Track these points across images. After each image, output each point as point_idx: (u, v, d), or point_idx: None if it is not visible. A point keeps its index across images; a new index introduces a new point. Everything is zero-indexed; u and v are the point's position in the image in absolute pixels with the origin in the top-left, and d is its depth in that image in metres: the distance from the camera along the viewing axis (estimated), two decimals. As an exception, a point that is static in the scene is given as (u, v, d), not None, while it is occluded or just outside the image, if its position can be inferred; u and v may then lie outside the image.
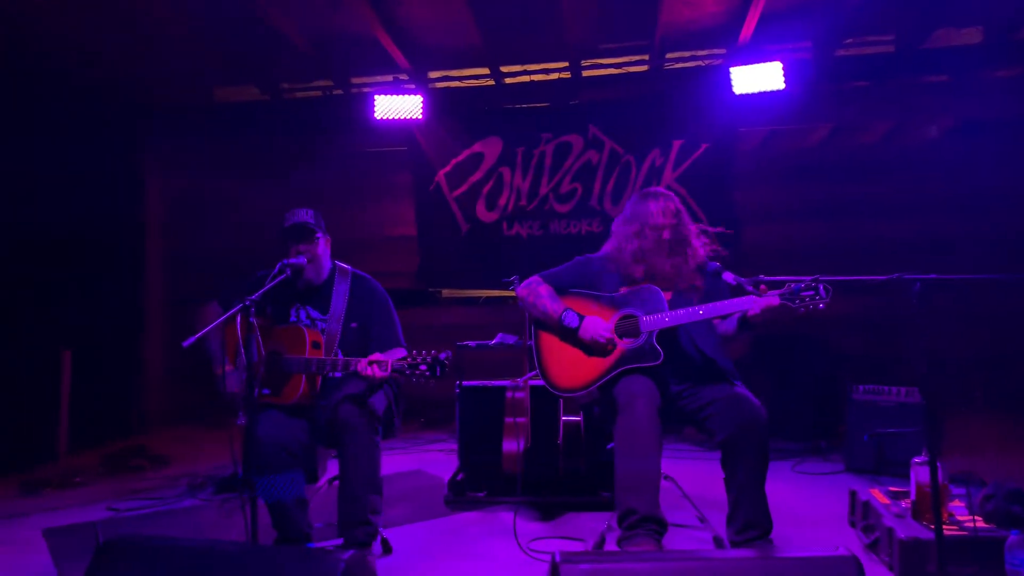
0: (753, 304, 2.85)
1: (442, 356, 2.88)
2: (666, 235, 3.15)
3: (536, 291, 3.26)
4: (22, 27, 5.01)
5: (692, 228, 3.25)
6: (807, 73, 5.79)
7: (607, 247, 3.33)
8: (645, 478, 2.82)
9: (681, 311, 2.98)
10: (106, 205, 6.07)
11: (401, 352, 3.26)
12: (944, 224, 6.18)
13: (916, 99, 6.07)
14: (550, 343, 3.21)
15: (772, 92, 5.61)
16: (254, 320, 2.71)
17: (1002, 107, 5.86)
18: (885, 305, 5.74)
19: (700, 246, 3.23)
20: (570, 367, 3.13)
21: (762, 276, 2.83)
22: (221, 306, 3.27)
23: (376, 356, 2.96)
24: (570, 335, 3.12)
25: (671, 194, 3.29)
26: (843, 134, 6.59)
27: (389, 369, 2.92)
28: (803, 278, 2.75)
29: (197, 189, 7.09)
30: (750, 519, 2.83)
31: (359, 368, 2.95)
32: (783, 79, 5.55)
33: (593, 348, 3.08)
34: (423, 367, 2.88)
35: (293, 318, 3.30)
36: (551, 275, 3.33)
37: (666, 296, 3.09)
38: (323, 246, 3.32)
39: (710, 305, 2.95)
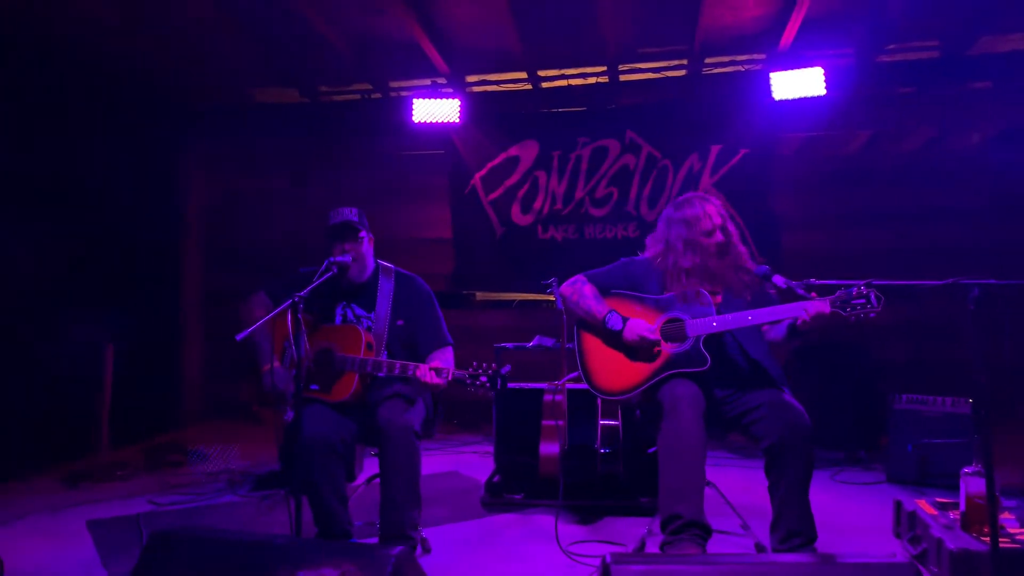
0: (803, 310, 2.80)
1: (503, 371, 2.90)
2: (714, 239, 3.12)
3: (580, 291, 3.23)
4: (63, 29, 5.12)
5: (736, 232, 3.22)
6: (849, 79, 5.72)
7: (651, 250, 3.30)
8: (690, 483, 2.79)
9: (729, 316, 2.93)
10: (147, 204, 6.17)
11: (449, 351, 3.30)
12: (989, 231, 6.06)
13: (960, 106, 5.98)
14: (593, 345, 3.19)
15: (813, 98, 5.54)
16: (302, 316, 2.74)
17: (1048, 114, 5.76)
18: (928, 312, 5.65)
19: (744, 250, 3.21)
20: (614, 370, 3.10)
21: (812, 280, 2.79)
22: (268, 298, 3.32)
23: (437, 364, 2.99)
24: (614, 337, 3.10)
25: (716, 197, 3.27)
26: (884, 140, 6.50)
27: (451, 377, 2.94)
28: (855, 282, 2.69)
29: (236, 189, 7.17)
30: (793, 527, 2.79)
31: (419, 374, 2.97)
32: (824, 85, 5.50)
33: (638, 351, 3.05)
34: (484, 379, 2.91)
35: (339, 316, 3.32)
36: (595, 275, 3.30)
37: (714, 300, 3.06)
38: (367, 245, 3.35)
39: (759, 310, 2.91)
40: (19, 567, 3.16)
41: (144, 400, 5.79)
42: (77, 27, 5.16)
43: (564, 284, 3.32)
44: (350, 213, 3.31)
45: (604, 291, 3.23)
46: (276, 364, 3.21)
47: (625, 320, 3.07)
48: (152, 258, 6.36)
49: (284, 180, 7.06)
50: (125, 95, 5.94)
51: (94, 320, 5.32)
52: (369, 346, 3.16)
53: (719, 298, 3.09)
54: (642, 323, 3.05)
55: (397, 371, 3.04)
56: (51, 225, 5.22)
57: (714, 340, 3.01)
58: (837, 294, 2.76)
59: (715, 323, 2.94)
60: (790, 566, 1.88)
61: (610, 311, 3.11)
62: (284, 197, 7.03)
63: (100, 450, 4.81)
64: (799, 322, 2.84)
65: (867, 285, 2.69)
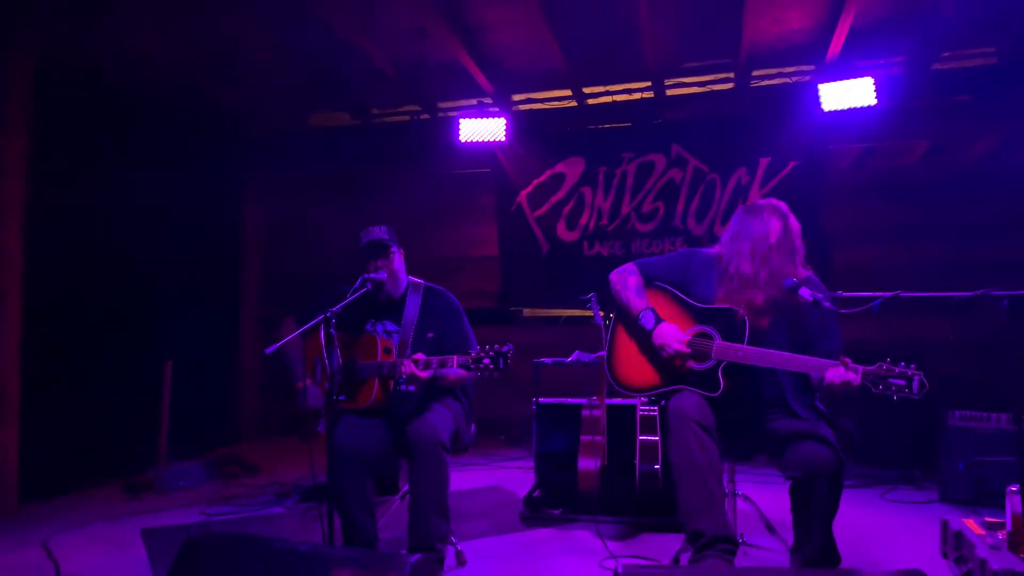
0: (831, 371, 2.56)
1: (504, 349, 2.92)
2: (775, 256, 2.91)
3: (626, 280, 3.16)
4: (123, 62, 5.41)
5: (802, 250, 2.99)
6: (901, 88, 5.60)
7: (716, 248, 3.12)
8: (707, 499, 2.72)
9: (757, 351, 2.76)
10: (207, 228, 6.43)
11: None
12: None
13: (1022, 113, 5.76)
14: (624, 336, 3.16)
15: (863, 108, 5.45)
16: (334, 332, 2.83)
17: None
18: (983, 326, 5.41)
19: (804, 269, 2.99)
20: (635, 365, 3.08)
21: (840, 292, 2.71)
22: (297, 322, 3.41)
23: (418, 355, 3.06)
24: (644, 335, 3.03)
25: (784, 209, 3.03)
26: (944, 151, 6.29)
27: (455, 365, 3.00)
28: (883, 294, 2.58)
29: (291, 211, 7.40)
30: (813, 558, 2.68)
31: (404, 369, 3.07)
32: (875, 95, 5.39)
33: (659, 356, 2.99)
34: (486, 360, 2.93)
35: (370, 330, 3.41)
36: (645, 264, 3.21)
37: (764, 322, 2.91)
38: (399, 260, 3.44)
39: (787, 356, 2.70)
40: (74, 571, 3.33)
41: (203, 414, 6.00)
42: (131, 60, 5.45)
43: (614, 272, 3.24)
44: (380, 231, 3.40)
45: (649, 281, 3.15)
46: (308, 382, 3.32)
47: (658, 321, 2.98)
48: (212, 279, 6.62)
49: (336, 202, 7.25)
50: (183, 125, 6.21)
51: (155, 336, 5.57)
52: (386, 350, 3.24)
53: (767, 321, 2.92)
54: (673, 330, 2.95)
55: (388, 370, 3.15)
56: (117, 247, 5.50)
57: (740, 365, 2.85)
58: (875, 367, 2.48)
59: (740, 353, 2.79)
60: (798, 580, 1.85)
61: (646, 308, 3.03)
62: (336, 218, 7.20)
63: (159, 462, 5.00)
64: (824, 383, 2.60)
65: (913, 370, 2.39)
